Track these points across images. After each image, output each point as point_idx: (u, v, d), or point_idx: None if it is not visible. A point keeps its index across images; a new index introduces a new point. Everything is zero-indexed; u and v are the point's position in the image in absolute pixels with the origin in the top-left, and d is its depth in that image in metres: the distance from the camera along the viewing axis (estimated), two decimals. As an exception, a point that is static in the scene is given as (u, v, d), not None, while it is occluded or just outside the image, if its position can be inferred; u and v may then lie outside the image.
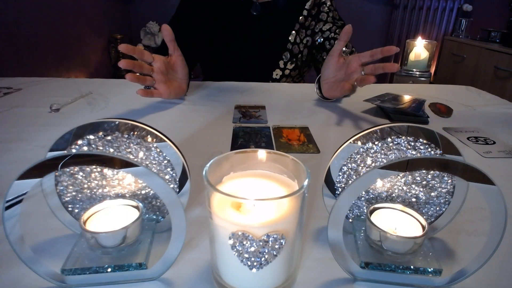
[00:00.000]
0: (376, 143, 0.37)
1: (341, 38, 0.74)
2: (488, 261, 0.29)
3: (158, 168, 0.37)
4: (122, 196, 0.37)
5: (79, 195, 0.36)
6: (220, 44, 1.07)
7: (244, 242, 0.27)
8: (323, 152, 0.60)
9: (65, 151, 0.34)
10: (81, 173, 0.35)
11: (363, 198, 0.38)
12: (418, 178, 0.36)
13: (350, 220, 0.39)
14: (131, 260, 0.32)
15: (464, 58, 2.63)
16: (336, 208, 0.29)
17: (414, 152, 0.36)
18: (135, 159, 0.36)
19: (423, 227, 0.32)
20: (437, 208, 0.37)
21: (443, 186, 0.36)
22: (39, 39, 1.86)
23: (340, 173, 0.39)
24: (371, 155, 0.37)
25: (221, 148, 0.61)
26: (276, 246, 0.27)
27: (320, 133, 0.68)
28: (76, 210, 0.36)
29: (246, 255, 0.27)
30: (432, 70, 3.01)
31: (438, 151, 0.36)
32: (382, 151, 0.37)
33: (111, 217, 0.34)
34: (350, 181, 0.39)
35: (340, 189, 0.39)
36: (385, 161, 0.35)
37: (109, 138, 0.35)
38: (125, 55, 2.70)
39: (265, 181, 0.32)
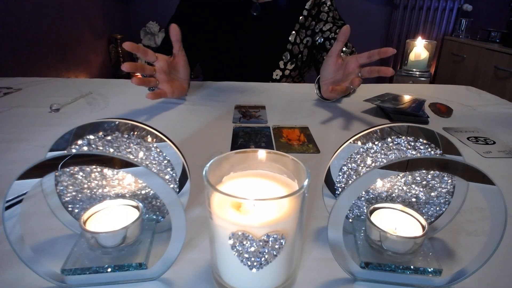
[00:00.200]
0: (376, 143, 0.37)
1: (339, 39, 0.73)
2: (488, 261, 0.29)
3: (158, 168, 0.37)
4: (122, 196, 0.37)
5: (79, 195, 0.36)
6: (220, 45, 1.07)
7: (244, 242, 0.27)
8: (323, 152, 0.60)
9: (65, 151, 0.34)
10: (81, 173, 0.35)
11: (363, 198, 0.38)
12: (418, 178, 0.36)
13: (350, 220, 0.39)
14: (131, 260, 0.32)
15: (464, 58, 2.63)
16: (336, 208, 0.29)
17: (414, 152, 0.36)
18: (135, 159, 0.36)
19: (423, 227, 0.32)
20: (437, 208, 0.37)
21: (443, 186, 0.36)
22: (39, 39, 1.86)
23: (340, 173, 0.39)
24: (371, 155, 0.37)
25: (221, 148, 0.61)
26: (276, 246, 0.27)
27: (320, 133, 0.68)
28: (76, 210, 0.36)
29: (246, 255, 0.27)
30: (432, 70, 3.01)
31: (438, 151, 0.36)
32: (382, 151, 0.37)
33: (111, 217, 0.34)
34: (350, 181, 0.39)
35: (340, 189, 0.39)
36: (385, 161, 0.35)
37: (109, 138, 0.35)
38: (126, 56, 2.70)
39: (265, 181, 0.32)
